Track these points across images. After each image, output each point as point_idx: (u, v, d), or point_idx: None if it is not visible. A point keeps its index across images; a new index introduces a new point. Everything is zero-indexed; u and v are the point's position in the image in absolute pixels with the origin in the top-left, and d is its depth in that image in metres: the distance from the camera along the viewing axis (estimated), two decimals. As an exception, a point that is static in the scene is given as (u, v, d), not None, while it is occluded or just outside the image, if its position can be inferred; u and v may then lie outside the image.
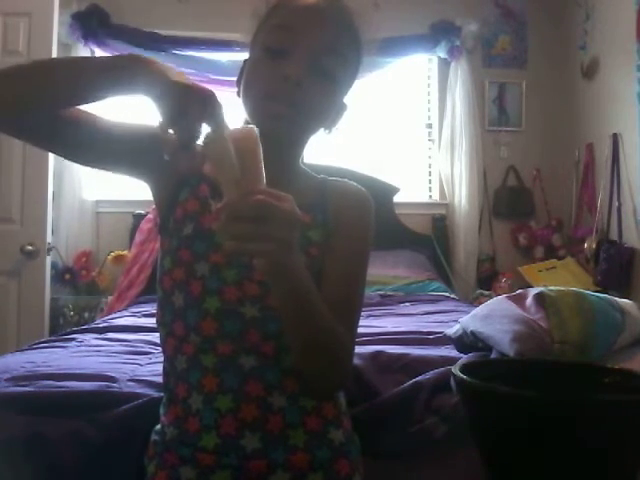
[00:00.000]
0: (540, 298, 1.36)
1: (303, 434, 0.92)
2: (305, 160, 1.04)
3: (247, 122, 0.92)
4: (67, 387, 1.25)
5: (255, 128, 0.75)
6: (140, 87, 0.77)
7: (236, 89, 0.99)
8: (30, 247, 2.75)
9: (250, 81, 0.95)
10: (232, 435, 0.89)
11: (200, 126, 0.75)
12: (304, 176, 1.03)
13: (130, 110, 3.16)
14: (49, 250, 2.83)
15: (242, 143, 0.73)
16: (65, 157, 0.97)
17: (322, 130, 0.99)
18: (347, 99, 1.02)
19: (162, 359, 0.99)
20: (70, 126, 0.86)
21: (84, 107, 0.86)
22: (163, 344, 0.97)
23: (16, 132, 0.87)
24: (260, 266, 0.75)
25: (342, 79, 0.96)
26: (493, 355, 1.32)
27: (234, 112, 0.93)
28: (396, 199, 3.64)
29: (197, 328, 0.91)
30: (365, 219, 1.00)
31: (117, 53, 3.46)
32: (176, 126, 0.74)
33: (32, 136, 0.89)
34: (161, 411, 0.98)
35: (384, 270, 3.11)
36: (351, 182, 1.04)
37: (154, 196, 1.00)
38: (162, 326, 0.96)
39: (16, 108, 0.80)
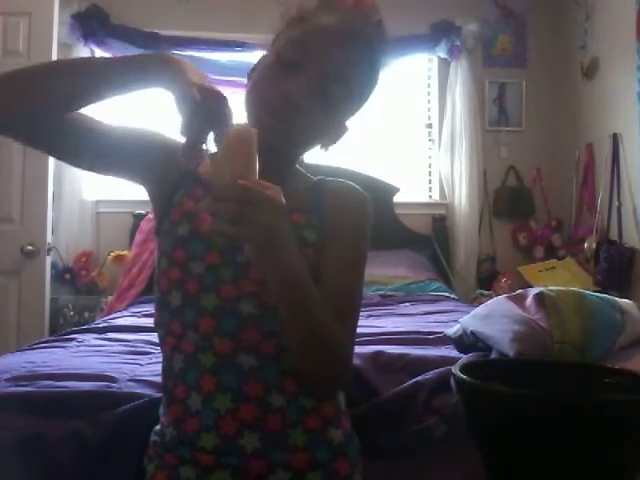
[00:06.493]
0: (540, 298, 1.37)
1: (303, 434, 0.92)
2: (305, 160, 1.04)
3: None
4: (67, 387, 1.25)
5: (254, 131, 0.76)
6: (161, 85, 0.82)
7: (236, 89, 0.99)
8: (30, 247, 2.75)
9: (255, 85, 0.95)
10: (231, 435, 0.89)
11: (208, 132, 0.80)
12: (299, 178, 1.03)
13: (126, 111, 3.15)
14: (49, 250, 2.83)
15: (239, 144, 0.75)
16: (64, 160, 0.97)
17: (319, 146, 1.00)
18: (351, 121, 1.02)
19: (162, 359, 0.99)
20: (71, 131, 0.87)
21: (83, 110, 0.88)
22: (162, 345, 0.97)
23: (19, 135, 0.88)
24: (248, 253, 0.77)
25: (346, 106, 0.96)
26: (493, 355, 1.32)
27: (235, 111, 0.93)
28: (396, 199, 3.64)
29: (194, 326, 0.91)
30: (361, 219, 0.99)
31: (117, 53, 3.46)
32: (187, 129, 0.78)
33: (32, 139, 0.89)
34: (160, 412, 0.98)
35: (384, 270, 3.11)
36: (348, 182, 1.03)
37: (151, 198, 1.00)
38: (160, 327, 0.96)
39: (31, 108, 0.82)
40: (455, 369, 0.82)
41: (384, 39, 0.96)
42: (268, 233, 0.72)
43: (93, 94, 0.85)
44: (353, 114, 1.00)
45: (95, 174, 1.03)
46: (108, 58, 0.95)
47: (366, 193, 1.02)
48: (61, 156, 0.96)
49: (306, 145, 0.98)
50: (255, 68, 0.98)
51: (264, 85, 0.93)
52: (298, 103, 0.89)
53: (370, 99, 1.00)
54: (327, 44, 0.91)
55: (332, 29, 0.92)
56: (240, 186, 0.70)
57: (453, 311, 2.41)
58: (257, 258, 0.77)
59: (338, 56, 0.91)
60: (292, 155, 1.01)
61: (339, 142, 1.02)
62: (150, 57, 0.85)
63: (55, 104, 0.84)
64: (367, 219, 1.00)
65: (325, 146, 1.01)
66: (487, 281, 3.58)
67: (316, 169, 1.05)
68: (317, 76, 0.90)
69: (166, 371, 0.96)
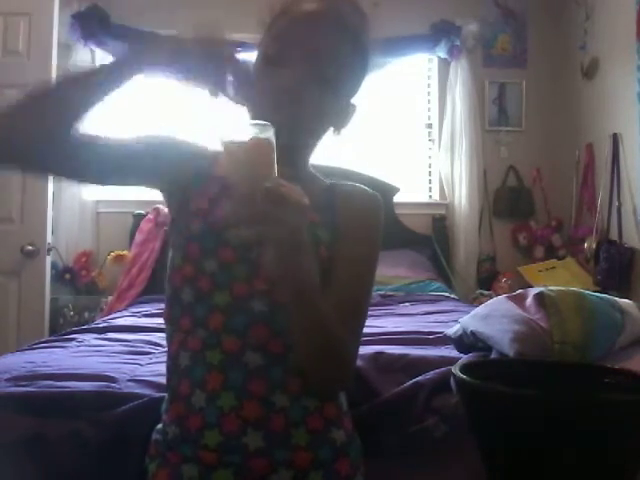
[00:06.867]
0: (540, 298, 1.37)
1: (305, 433, 0.92)
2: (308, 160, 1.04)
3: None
4: (67, 387, 1.25)
5: (271, 132, 0.76)
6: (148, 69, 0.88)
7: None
8: (30, 247, 2.75)
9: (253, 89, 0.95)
10: (235, 433, 0.89)
11: (225, 72, 0.88)
12: (312, 179, 1.03)
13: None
14: (49, 250, 2.83)
15: (260, 147, 0.75)
16: (81, 181, 0.99)
17: (331, 131, 1.01)
18: (356, 99, 1.02)
19: (163, 359, 0.99)
20: (85, 150, 0.88)
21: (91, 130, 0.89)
22: (169, 341, 0.98)
23: (35, 167, 0.91)
24: (269, 261, 0.77)
25: (343, 83, 0.97)
26: (493, 355, 1.32)
27: (235, 112, 0.94)
28: (396, 199, 3.63)
29: (204, 322, 0.91)
30: (373, 221, 1.00)
31: (117, 53, 3.46)
32: (200, 78, 0.86)
33: (50, 167, 0.91)
34: (162, 410, 0.98)
35: (384, 270, 3.10)
36: (361, 186, 1.04)
37: (165, 197, 1.02)
38: (169, 323, 0.97)
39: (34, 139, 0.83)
40: (455, 369, 0.82)
41: (361, 15, 0.98)
42: (293, 234, 0.73)
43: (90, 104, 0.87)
44: (354, 90, 1.01)
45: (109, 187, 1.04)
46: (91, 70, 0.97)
47: (379, 196, 1.03)
48: (77, 178, 0.98)
49: (317, 131, 0.98)
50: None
51: (260, 85, 0.94)
52: (295, 91, 0.91)
53: (367, 74, 1.01)
54: (307, 29, 0.93)
55: (306, 14, 0.94)
56: (266, 188, 0.70)
57: (453, 311, 2.41)
58: (278, 258, 0.77)
59: (320, 37, 0.93)
60: (306, 150, 1.01)
61: (338, 139, 1.02)
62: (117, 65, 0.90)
63: (65, 116, 0.85)
64: (378, 221, 1.01)
65: (337, 129, 1.01)
66: (487, 281, 3.58)
67: (318, 170, 1.05)
68: (306, 61, 0.92)
69: (171, 369, 0.96)
